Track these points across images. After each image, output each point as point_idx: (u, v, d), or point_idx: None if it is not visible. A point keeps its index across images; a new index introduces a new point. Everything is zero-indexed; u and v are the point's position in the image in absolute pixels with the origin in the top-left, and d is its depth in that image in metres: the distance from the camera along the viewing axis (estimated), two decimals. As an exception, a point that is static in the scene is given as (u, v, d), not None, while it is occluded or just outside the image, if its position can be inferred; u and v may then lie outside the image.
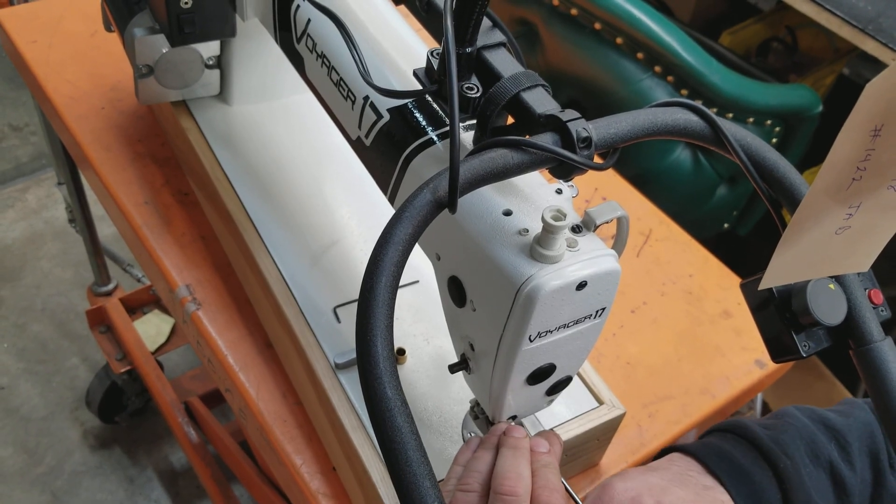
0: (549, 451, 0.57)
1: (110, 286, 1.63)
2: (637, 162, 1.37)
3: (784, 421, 0.63)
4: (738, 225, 1.50)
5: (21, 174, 2.20)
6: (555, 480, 0.54)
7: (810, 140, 1.36)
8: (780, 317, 0.54)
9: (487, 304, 0.54)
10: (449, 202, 0.46)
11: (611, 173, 1.08)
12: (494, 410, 0.59)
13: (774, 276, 0.44)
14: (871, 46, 1.31)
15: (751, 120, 1.28)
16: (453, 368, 0.60)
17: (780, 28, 1.81)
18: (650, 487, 0.55)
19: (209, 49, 0.88)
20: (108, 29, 0.93)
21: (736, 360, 0.91)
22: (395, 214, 0.45)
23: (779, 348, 0.55)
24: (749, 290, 0.56)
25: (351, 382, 0.72)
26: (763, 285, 0.46)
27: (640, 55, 1.29)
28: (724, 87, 1.24)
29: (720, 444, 0.61)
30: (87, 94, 1.05)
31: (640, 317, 0.93)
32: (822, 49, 1.79)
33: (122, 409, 1.69)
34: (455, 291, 0.57)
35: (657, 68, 1.28)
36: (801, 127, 1.32)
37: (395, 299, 0.44)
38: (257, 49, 0.88)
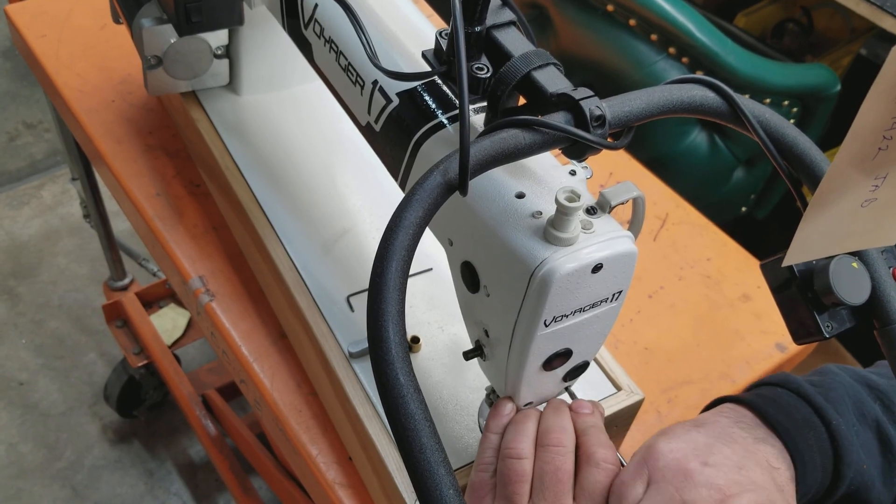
0: (592, 412, 0.57)
1: (126, 281, 1.63)
2: (652, 145, 1.36)
3: (829, 378, 0.62)
4: (756, 208, 1.48)
5: (36, 171, 2.21)
6: (605, 438, 0.55)
7: (828, 121, 1.34)
8: (802, 297, 0.52)
9: (501, 289, 0.53)
10: (460, 184, 0.45)
11: (626, 157, 1.07)
12: (510, 397, 0.59)
13: (798, 253, 0.43)
14: (889, 24, 1.28)
15: (768, 101, 1.26)
16: (468, 355, 0.59)
17: (796, 8, 1.78)
18: (696, 447, 0.54)
19: (217, 38, 0.87)
20: (117, 21, 0.93)
21: (756, 344, 0.89)
22: (404, 198, 0.44)
23: (801, 329, 0.54)
24: (770, 271, 0.54)
25: (365, 371, 0.71)
26: (786, 262, 0.45)
27: (653, 37, 1.27)
28: (740, 68, 1.22)
29: (774, 396, 0.60)
30: (97, 87, 1.04)
31: (658, 302, 0.92)
32: (839, 29, 1.77)
33: (140, 403, 1.69)
34: (468, 277, 0.56)
35: (671, 50, 1.26)
36: (820, 107, 1.30)
37: (406, 284, 0.43)
38: (265, 37, 0.88)
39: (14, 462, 1.66)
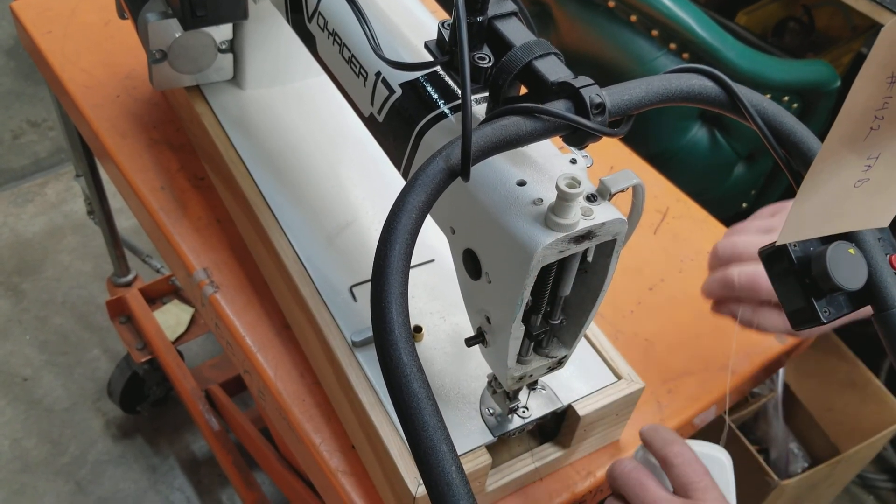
0: None
1: (130, 277, 1.64)
2: (654, 141, 1.36)
3: None
4: (757, 204, 1.49)
5: (40, 169, 2.22)
6: None
7: (828, 117, 1.34)
8: (800, 283, 0.53)
9: (503, 275, 0.53)
10: (462, 170, 0.46)
11: (627, 152, 1.07)
12: (511, 382, 0.59)
13: (792, 232, 0.44)
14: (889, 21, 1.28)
15: (768, 96, 1.26)
16: (470, 342, 0.60)
17: (797, 7, 1.79)
18: None
19: (222, 33, 0.88)
20: (122, 16, 0.94)
21: (756, 336, 0.90)
22: (407, 183, 0.45)
23: (799, 316, 0.54)
24: (768, 258, 0.55)
25: (368, 360, 0.72)
26: (780, 241, 0.45)
27: (654, 32, 1.27)
28: (740, 64, 1.22)
29: None
30: (102, 82, 1.05)
31: (658, 294, 0.93)
32: (839, 27, 1.77)
33: (143, 399, 1.70)
34: (470, 264, 0.56)
35: (672, 45, 1.27)
36: (819, 103, 1.31)
37: (409, 267, 0.44)
38: (269, 31, 0.88)
39: (18, 457, 1.67)
